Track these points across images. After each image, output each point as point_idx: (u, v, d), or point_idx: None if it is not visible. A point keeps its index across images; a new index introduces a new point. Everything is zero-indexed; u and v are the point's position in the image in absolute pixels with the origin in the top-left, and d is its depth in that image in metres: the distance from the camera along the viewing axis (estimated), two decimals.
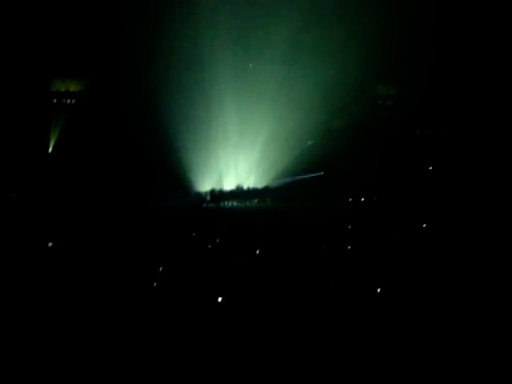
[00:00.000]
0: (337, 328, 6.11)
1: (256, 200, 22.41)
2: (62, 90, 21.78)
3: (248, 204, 22.23)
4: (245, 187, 22.93)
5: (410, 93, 24.04)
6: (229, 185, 22.79)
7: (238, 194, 22.67)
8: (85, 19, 19.51)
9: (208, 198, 22.08)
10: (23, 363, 5.38)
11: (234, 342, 5.84)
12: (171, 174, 20.73)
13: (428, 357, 5.27)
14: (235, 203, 22.23)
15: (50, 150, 21.28)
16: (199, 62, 21.29)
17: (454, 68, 21.15)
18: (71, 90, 21.87)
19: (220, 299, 7.25)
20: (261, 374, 5.14)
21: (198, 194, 22.04)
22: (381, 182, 20.41)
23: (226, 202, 22.13)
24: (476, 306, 6.56)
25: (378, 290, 7.37)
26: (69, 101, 21.90)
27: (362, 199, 21.37)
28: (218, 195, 22.15)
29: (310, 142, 23.28)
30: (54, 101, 21.71)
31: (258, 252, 10.53)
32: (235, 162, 23.24)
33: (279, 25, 20.84)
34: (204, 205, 21.67)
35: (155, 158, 20.40)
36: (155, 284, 8.16)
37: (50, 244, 11.41)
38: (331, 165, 21.64)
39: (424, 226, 12.99)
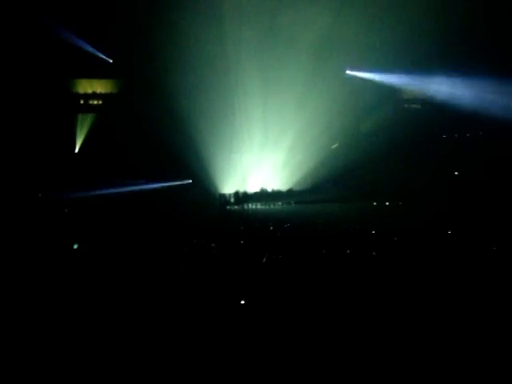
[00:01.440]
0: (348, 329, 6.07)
1: (280, 202, 22.36)
2: (89, 91, 22.02)
3: (272, 206, 22.19)
4: (269, 189, 22.93)
5: (437, 97, 23.84)
6: (253, 187, 22.78)
7: (262, 196, 22.65)
8: (112, 21, 19.65)
9: (232, 199, 22.11)
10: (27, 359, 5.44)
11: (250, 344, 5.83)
12: (195, 175, 20.82)
13: (431, 357, 5.21)
14: (259, 205, 22.21)
15: (77, 150, 21.52)
16: (224, 63, 21.27)
17: (484, 71, 20.83)
18: (98, 91, 22.10)
19: (243, 302, 7.24)
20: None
21: (222, 196, 22.07)
22: (406, 186, 20.21)
23: (250, 204, 22.12)
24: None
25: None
26: (95, 102, 22.13)
27: (387, 203, 21.18)
28: (241, 197, 22.17)
29: (335, 145, 23.17)
30: (81, 102, 21.95)
31: (280, 256, 10.49)
32: (259, 163, 23.23)
33: (307, 24, 20.78)
34: (228, 207, 21.71)
35: (180, 159, 20.47)
36: (178, 285, 8.18)
37: (76, 246, 11.54)
38: (356, 167, 21.46)
39: (449, 232, 12.82)
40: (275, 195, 22.69)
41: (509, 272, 8.42)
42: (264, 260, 9.97)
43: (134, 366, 5.42)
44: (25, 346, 5.84)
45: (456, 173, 21.36)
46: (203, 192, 20.87)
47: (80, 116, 21.66)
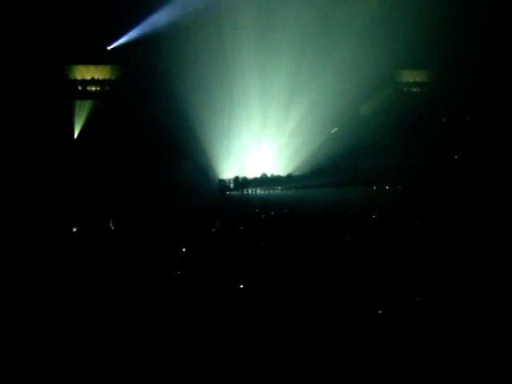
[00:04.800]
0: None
1: (280, 187, 22.36)
2: (87, 77, 21.94)
3: (272, 191, 22.19)
4: (268, 175, 22.93)
5: (437, 80, 23.77)
6: (252, 172, 22.77)
7: (262, 181, 22.65)
8: (112, 7, 19.52)
9: (232, 185, 22.11)
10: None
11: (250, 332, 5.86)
12: (195, 160, 20.79)
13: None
14: (259, 191, 22.21)
15: (75, 136, 21.49)
16: (223, 48, 21.19)
17: (481, 55, 20.76)
18: (96, 77, 22.01)
19: (242, 286, 7.27)
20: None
21: (222, 181, 22.06)
22: (405, 170, 20.20)
23: (250, 190, 22.12)
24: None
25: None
26: (94, 88, 22.05)
27: (387, 187, 21.18)
28: (241, 182, 22.16)
29: (334, 129, 23.13)
30: (79, 88, 21.87)
31: (280, 240, 10.51)
32: (259, 149, 23.21)
33: (305, 9, 20.66)
34: (228, 192, 21.71)
35: (179, 145, 20.45)
36: (179, 272, 8.20)
37: (75, 229, 11.57)
38: (355, 152, 21.42)
39: (446, 215, 12.83)
40: (275, 180, 22.70)
41: (504, 256, 8.45)
42: (262, 245, 10.00)
43: (133, 351, 5.45)
44: (21, 340, 5.86)
45: (456, 156, 21.34)
46: (203, 177, 20.85)
47: (78, 102, 21.58)
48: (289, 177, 22.75)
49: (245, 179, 22.31)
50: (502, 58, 19.94)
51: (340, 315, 6.17)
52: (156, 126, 20.35)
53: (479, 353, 5.21)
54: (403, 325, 5.89)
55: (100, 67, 21.99)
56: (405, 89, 24.28)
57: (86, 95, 21.87)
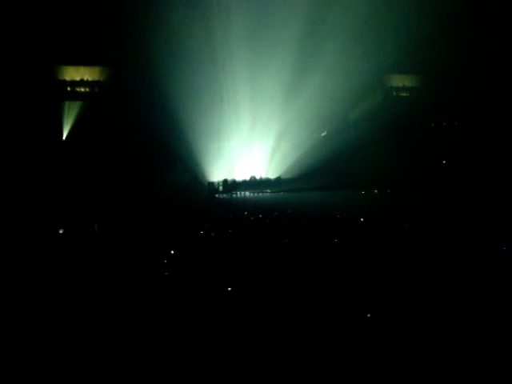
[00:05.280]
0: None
1: (268, 190, 22.38)
2: (77, 78, 21.84)
3: (261, 194, 22.22)
4: (258, 178, 22.94)
5: (426, 85, 23.91)
6: (241, 175, 22.78)
7: (251, 184, 22.67)
8: (102, 7, 19.46)
9: (220, 188, 22.10)
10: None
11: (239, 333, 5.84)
12: (184, 163, 20.75)
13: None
14: (248, 193, 22.22)
15: (64, 138, 21.38)
16: (214, 51, 21.19)
17: (471, 59, 20.91)
18: (85, 78, 21.92)
19: (229, 289, 7.25)
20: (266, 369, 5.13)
21: (211, 184, 22.05)
22: (394, 174, 20.29)
23: (239, 193, 22.13)
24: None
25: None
26: (83, 89, 21.96)
27: (375, 191, 21.26)
28: (230, 185, 22.16)
29: (324, 133, 23.20)
30: (68, 89, 21.77)
31: (270, 243, 10.51)
32: (249, 152, 23.22)
33: (295, 12, 20.70)
34: (216, 195, 21.69)
35: (167, 147, 20.40)
36: (166, 273, 8.17)
37: (61, 231, 11.50)
38: (344, 156, 21.48)
39: (434, 219, 12.90)
40: (264, 183, 22.72)
41: (490, 261, 8.50)
42: (251, 247, 9.99)
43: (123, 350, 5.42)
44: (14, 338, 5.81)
45: (444, 161, 21.46)
46: (192, 179, 20.82)
47: (67, 103, 21.48)
48: (278, 180, 22.79)
49: (234, 182, 22.33)
50: (492, 63, 20.08)
51: (330, 319, 6.16)
52: (145, 128, 20.31)
53: (475, 355, 5.22)
54: (393, 328, 5.89)
55: (89, 68, 21.91)
56: (394, 93, 24.41)
57: (75, 96, 21.78)
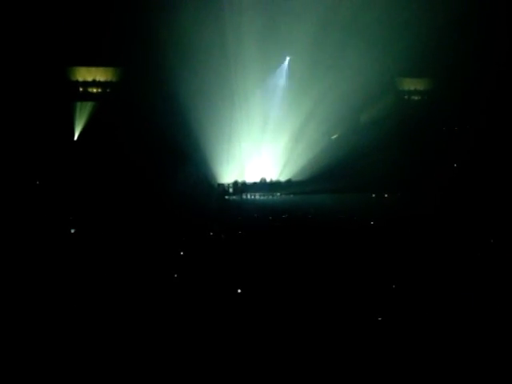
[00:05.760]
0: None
1: (279, 193, 22.35)
2: (89, 79, 21.94)
3: (271, 197, 22.19)
4: (268, 180, 22.93)
5: (437, 88, 23.81)
6: (252, 177, 22.78)
7: (261, 186, 22.66)
8: (113, 7, 19.55)
9: (231, 190, 22.10)
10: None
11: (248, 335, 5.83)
12: (194, 164, 20.76)
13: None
14: (258, 196, 22.21)
15: (76, 138, 21.48)
16: (226, 53, 21.21)
17: (483, 63, 20.80)
18: (97, 79, 22.02)
19: (239, 291, 7.24)
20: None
21: (221, 186, 22.05)
22: (405, 178, 20.20)
23: (249, 195, 22.13)
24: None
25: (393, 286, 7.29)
26: (95, 90, 22.06)
27: (386, 195, 21.18)
28: (240, 187, 22.15)
29: (334, 136, 23.15)
30: (80, 90, 21.89)
31: (279, 245, 10.49)
32: (259, 154, 23.22)
33: (306, 17, 20.70)
34: (227, 196, 21.69)
35: (178, 148, 20.43)
36: (175, 275, 8.17)
37: (73, 230, 11.55)
38: (355, 159, 21.41)
39: (445, 222, 12.84)
40: (274, 186, 22.69)
41: (505, 263, 8.44)
42: (260, 250, 9.97)
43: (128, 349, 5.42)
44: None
45: (455, 165, 21.34)
46: (202, 181, 20.82)
47: (79, 104, 21.59)
48: (288, 182, 22.75)
49: (244, 184, 22.33)
50: (504, 66, 19.97)
51: (339, 321, 6.14)
52: (156, 129, 20.35)
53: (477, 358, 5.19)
54: (403, 331, 5.87)
55: (101, 69, 22.01)
56: (405, 96, 24.32)
57: (87, 97, 21.89)
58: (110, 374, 5.03)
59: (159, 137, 20.36)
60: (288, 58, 22.57)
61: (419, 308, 6.54)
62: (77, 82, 21.82)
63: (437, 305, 6.64)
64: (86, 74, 21.88)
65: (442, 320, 6.12)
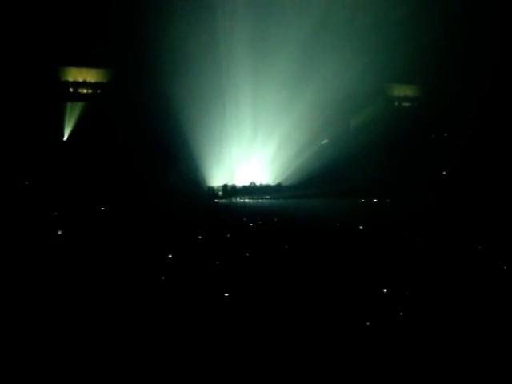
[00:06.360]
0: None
1: (268, 197, 22.37)
2: (79, 79, 21.87)
3: (260, 200, 22.20)
4: (257, 184, 22.95)
5: (428, 95, 23.96)
6: (241, 181, 22.79)
7: (251, 190, 22.67)
8: (105, 9, 19.51)
9: (220, 193, 22.09)
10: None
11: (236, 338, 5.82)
12: (184, 167, 20.75)
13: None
14: (247, 199, 22.21)
15: (65, 138, 21.39)
16: (215, 56, 21.25)
17: (472, 70, 20.95)
18: (88, 80, 21.96)
19: (226, 295, 7.23)
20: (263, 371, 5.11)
21: (211, 189, 22.04)
22: (394, 184, 20.29)
23: (238, 198, 22.12)
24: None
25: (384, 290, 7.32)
26: (85, 91, 21.99)
27: (375, 200, 21.25)
28: (230, 191, 22.15)
29: (324, 141, 23.22)
30: (71, 90, 21.80)
31: (268, 249, 10.49)
32: (249, 158, 23.24)
33: (297, 22, 20.79)
34: (216, 200, 21.67)
35: (169, 151, 20.41)
36: (163, 277, 8.15)
37: (60, 232, 11.48)
38: (344, 164, 21.49)
39: (433, 228, 12.89)
40: (264, 189, 22.71)
41: (496, 267, 8.50)
42: (247, 254, 9.96)
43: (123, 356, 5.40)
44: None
45: (444, 172, 21.48)
46: (192, 184, 20.81)
47: (69, 104, 21.51)
48: (278, 186, 22.79)
49: (234, 187, 22.33)
50: (494, 73, 20.12)
51: (328, 326, 6.14)
52: (147, 131, 20.31)
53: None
54: (391, 336, 5.88)
55: (92, 70, 21.95)
56: (395, 103, 24.47)
57: (78, 97, 21.80)
58: (99, 375, 5.02)
59: (150, 139, 20.32)
60: None
61: (410, 312, 6.57)
62: (67, 82, 21.72)
63: (427, 309, 6.67)
64: (77, 75, 21.80)
65: (431, 324, 6.15)
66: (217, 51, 21.16)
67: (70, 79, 21.78)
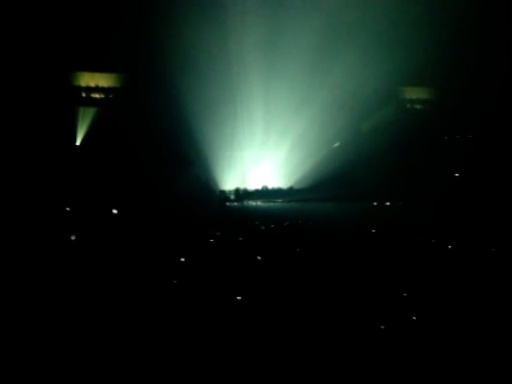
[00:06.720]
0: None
1: (280, 200, 22.33)
2: (92, 84, 21.99)
3: (272, 204, 22.16)
4: (269, 187, 22.93)
5: (440, 98, 23.83)
6: (253, 184, 22.77)
7: (263, 193, 22.65)
8: (117, 14, 19.61)
9: (232, 196, 22.09)
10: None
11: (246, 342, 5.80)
12: (196, 171, 20.78)
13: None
14: (259, 202, 22.19)
15: (78, 143, 21.50)
16: (228, 59, 21.26)
17: (486, 72, 20.81)
18: (100, 85, 22.06)
19: (239, 298, 7.22)
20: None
21: (223, 192, 22.05)
22: (407, 187, 20.17)
23: (250, 201, 22.10)
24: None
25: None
26: (97, 95, 22.10)
27: (387, 203, 21.14)
28: (242, 194, 22.15)
29: (336, 144, 23.15)
30: (83, 95, 21.92)
31: (280, 252, 10.47)
32: (261, 161, 23.22)
33: (309, 25, 20.76)
34: (228, 203, 21.67)
35: (181, 155, 20.45)
36: (175, 281, 8.15)
37: (73, 237, 11.54)
38: (357, 167, 21.40)
39: (447, 232, 12.80)
40: (276, 193, 22.68)
41: (507, 273, 8.41)
42: (259, 258, 9.94)
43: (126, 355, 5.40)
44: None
45: (457, 174, 21.32)
46: (204, 187, 20.82)
47: (82, 109, 21.62)
48: (290, 190, 22.75)
49: (246, 191, 22.32)
50: (506, 75, 19.98)
51: (340, 330, 6.11)
52: (158, 135, 20.37)
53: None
54: (405, 340, 5.84)
55: (105, 75, 22.05)
56: (408, 105, 24.35)
57: (90, 102, 21.92)
58: (105, 376, 5.02)
59: (161, 143, 20.38)
60: None
61: (424, 316, 6.52)
62: (79, 87, 21.84)
63: (441, 313, 6.62)
64: (89, 80, 21.92)
65: (444, 328, 6.10)
66: (228, 54, 21.18)
67: (83, 84, 21.89)
